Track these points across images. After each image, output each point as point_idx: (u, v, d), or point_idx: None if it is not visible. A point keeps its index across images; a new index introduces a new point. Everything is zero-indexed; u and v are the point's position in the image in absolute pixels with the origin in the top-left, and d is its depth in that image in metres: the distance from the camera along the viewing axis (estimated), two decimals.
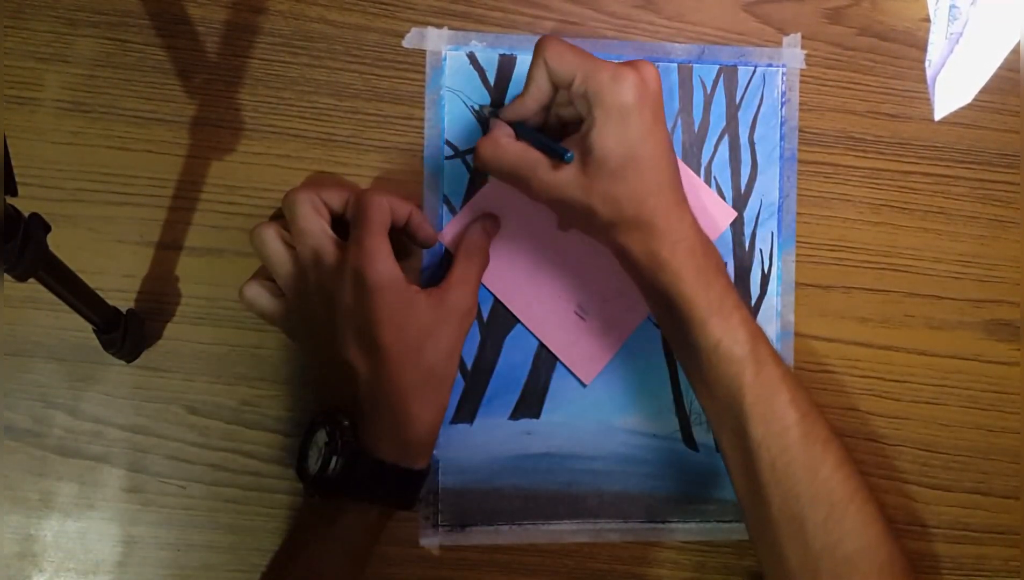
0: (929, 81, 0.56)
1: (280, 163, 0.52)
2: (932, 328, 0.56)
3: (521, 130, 0.48)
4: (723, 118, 0.55)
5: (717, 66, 0.55)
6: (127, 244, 0.51)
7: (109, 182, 0.51)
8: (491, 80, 0.53)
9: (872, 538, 0.46)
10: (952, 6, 0.56)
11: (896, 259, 0.56)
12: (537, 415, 0.53)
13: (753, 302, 0.55)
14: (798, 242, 0.55)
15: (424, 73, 0.53)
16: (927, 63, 0.56)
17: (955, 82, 0.56)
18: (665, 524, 0.54)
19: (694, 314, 0.46)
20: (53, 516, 0.51)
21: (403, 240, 0.51)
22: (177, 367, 0.51)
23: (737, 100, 0.55)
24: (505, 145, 0.47)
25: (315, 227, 0.47)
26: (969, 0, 0.56)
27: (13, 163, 0.34)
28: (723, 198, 0.55)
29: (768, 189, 0.55)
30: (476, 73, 0.53)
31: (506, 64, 0.53)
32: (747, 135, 0.55)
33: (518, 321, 0.53)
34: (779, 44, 0.55)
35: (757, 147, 0.55)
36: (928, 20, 0.56)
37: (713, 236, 0.54)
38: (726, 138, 0.55)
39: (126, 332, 0.48)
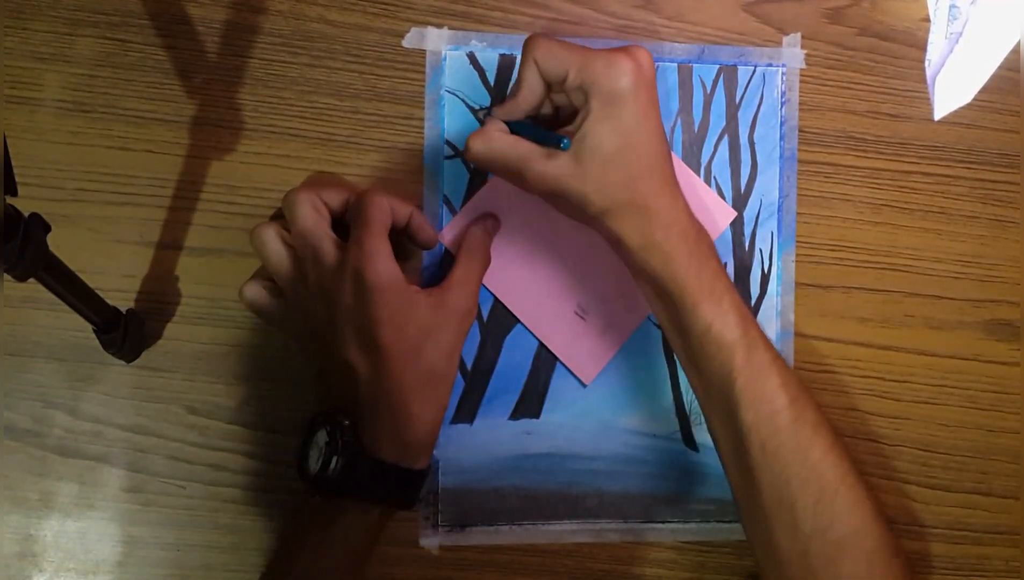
0: (929, 81, 0.56)
1: (280, 163, 0.52)
2: (932, 328, 0.56)
3: (514, 124, 0.48)
4: (723, 118, 0.55)
5: (717, 66, 0.55)
6: (127, 244, 0.51)
7: (109, 182, 0.51)
8: (491, 80, 0.53)
9: (862, 521, 0.46)
10: (952, 6, 0.56)
11: (896, 259, 0.56)
12: (537, 415, 0.53)
13: (753, 302, 0.55)
14: (798, 242, 0.55)
15: (424, 73, 0.53)
16: (927, 63, 0.56)
17: (955, 82, 0.56)
18: (665, 524, 0.54)
19: (685, 298, 0.46)
20: (53, 516, 0.50)
21: (403, 241, 0.51)
22: (177, 367, 0.51)
23: (737, 100, 0.55)
24: (496, 138, 0.47)
25: (315, 227, 0.47)
26: (969, 0, 0.56)
27: (13, 163, 0.34)
28: (723, 198, 0.55)
29: (768, 189, 0.55)
30: (476, 73, 0.53)
31: (506, 64, 0.53)
32: (747, 135, 0.55)
33: (518, 321, 0.53)
34: (779, 44, 0.55)
35: (757, 147, 0.55)
36: (928, 20, 0.56)
37: (713, 236, 0.54)
38: (726, 138, 0.55)
39: (126, 332, 0.48)
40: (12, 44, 0.50)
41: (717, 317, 0.46)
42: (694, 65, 0.54)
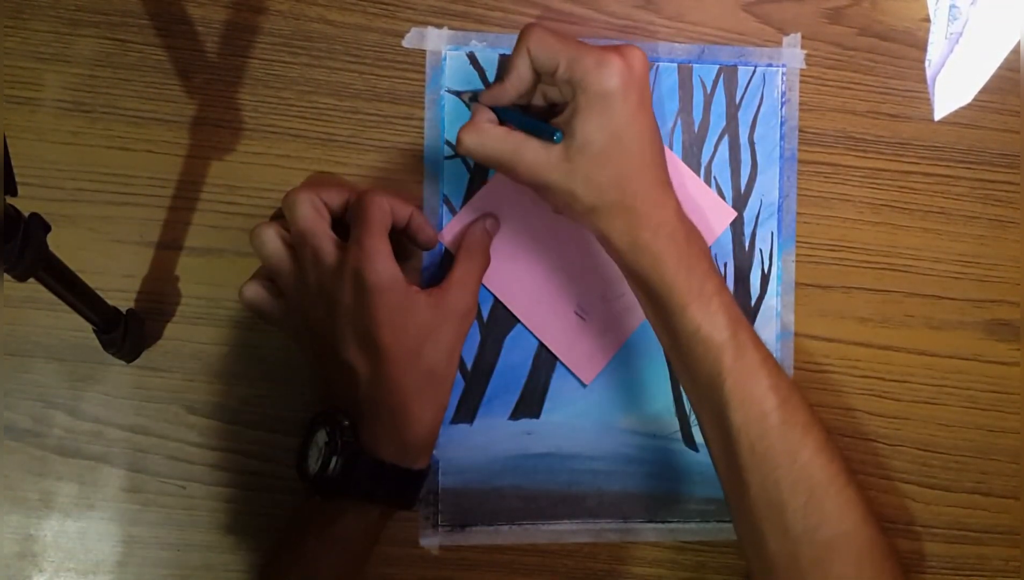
0: (929, 81, 0.56)
1: (280, 163, 0.52)
2: (932, 328, 0.56)
3: (505, 113, 0.48)
4: (723, 118, 0.55)
5: (717, 66, 0.55)
6: (127, 244, 0.51)
7: (109, 182, 0.51)
8: (491, 80, 0.53)
9: (852, 523, 0.46)
10: (952, 6, 0.56)
11: (896, 259, 0.56)
12: (537, 415, 0.53)
13: (753, 302, 0.55)
14: (798, 242, 0.55)
15: (424, 73, 0.53)
16: (927, 63, 0.56)
17: (955, 82, 0.56)
18: (665, 524, 0.54)
19: (674, 299, 0.46)
20: (53, 516, 0.51)
21: (403, 241, 0.51)
22: (177, 367, 0.51)
23: (737, 100, 0.55)
24: (487, 130, 0.47)
25: (315, 227, 0.47)
26: (969, 0, 0.56)
27: (13, 163, 0.34)
28: (723, 198, 0.55)
29: (768, 189, 0.55)
30: (476, 73, 0.53)
31: (506, 64, 0.53)
32: (747, 135, 0.55)
33: (518, 321, 0.53)
34: (779, 44, 0.55)
35: (757, 147, 0.55)
36: (928, 20, 0.56)
37: (713, 236, 0.54)
38: (726, 138, 0.55)
39: (126, 332, 0.48)
40: (12, 44, 0.50)
41: (706, 318, 0.46)
42: (694, 65, 0.54)
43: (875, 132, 0.56)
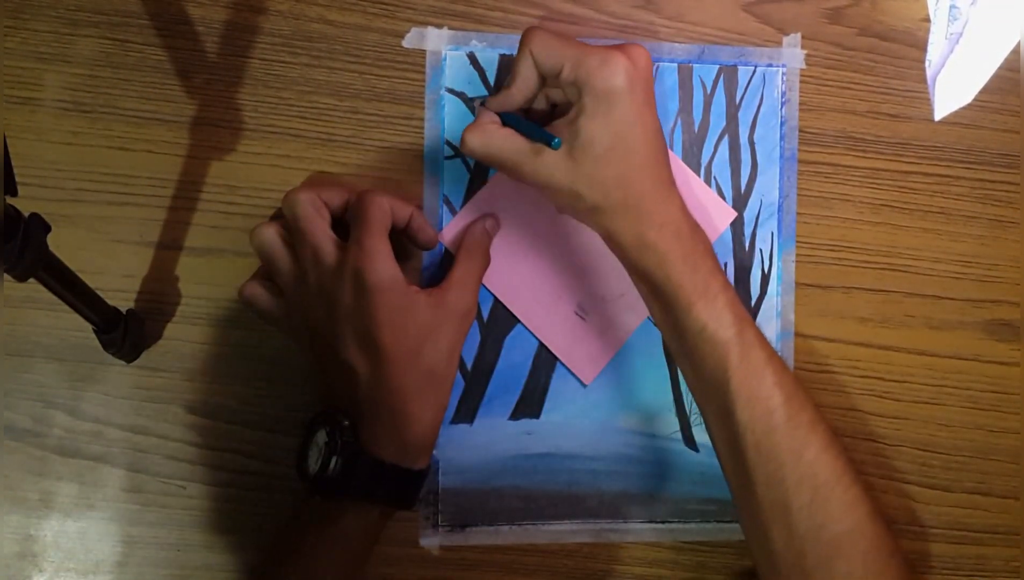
0: (929, 81, 0.56)
1: (280, 163, 0.52)
2: (932, 328, 0.56)
3: (507, 117, 0.48)
4: (723, 118, 0.55)
5: (717, 66, 0.55)
6: (127, 244, 0.51)
7: (109, 182, 0.51)
8: (491, 80, 0.53)
9: (857, 521, 0.46)
10: (952, 6, 0.56)
11: (896, 259, 0.56)
12: (537, 415, 0.53)
13: (753, 302, 0.55)
14: (798, 242, 0.55)
15: (424, 73, 0.53)
16: (927, 63, 0.56)
17: (955, 82, 0.56)
18: (665, 524, 0.54)
19: (680, 297, 0.46)
20: (53, 516, 0.51)
21: (403, 241, 0.51)
22: (177, 367, 0.51)
23: (737, 100, 0.55)
24: (491, 132, 0.47)
25: (315, 227, 0.47)
26: (969, 0, 0.56)
27: (13, 163, 0.34)
28: (723, 198, 0.55)
29: (768, 189, 0.55)
30: (476, 73, 0.53)
31: (506, 64, 0.53)
32: (747, 135, 0.55)
33: (518, 321, 0.53)
34: (779, 44, 0.55)
35: (757, 147, 0.55)
36: (928, 20, 0.56)
37: (713, 236, 0.54)
38: (726, 138, 0.55)
39: (126, 332, 0.48)
40: (12, 44, 0.50)
41: (711, 317, 0.46)
42: (694, 65, 0.54)
43: (875, 132, 0.56)
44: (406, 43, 0.53)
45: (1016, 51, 0.56)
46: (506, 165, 0.47)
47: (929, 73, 0.56)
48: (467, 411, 0.53)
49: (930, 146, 0.56)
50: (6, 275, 0.35)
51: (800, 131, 0.55)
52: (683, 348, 0.47)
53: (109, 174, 0.51)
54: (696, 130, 0.55)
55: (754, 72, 0.55)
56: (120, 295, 0.50)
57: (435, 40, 0.53)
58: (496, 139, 0.47)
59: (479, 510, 0.53)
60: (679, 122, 0.54)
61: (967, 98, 0.56)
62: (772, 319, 0.55)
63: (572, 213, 0.48)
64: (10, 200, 0.34)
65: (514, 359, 0.53)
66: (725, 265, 0.55)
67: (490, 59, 0.53)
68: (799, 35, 0.55)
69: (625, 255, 0.47)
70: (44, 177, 0.50)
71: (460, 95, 0.53)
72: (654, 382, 0.54)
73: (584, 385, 0.54)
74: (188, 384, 0.51)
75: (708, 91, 0.55)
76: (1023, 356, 0.57)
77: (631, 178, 0.46)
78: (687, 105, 0.54)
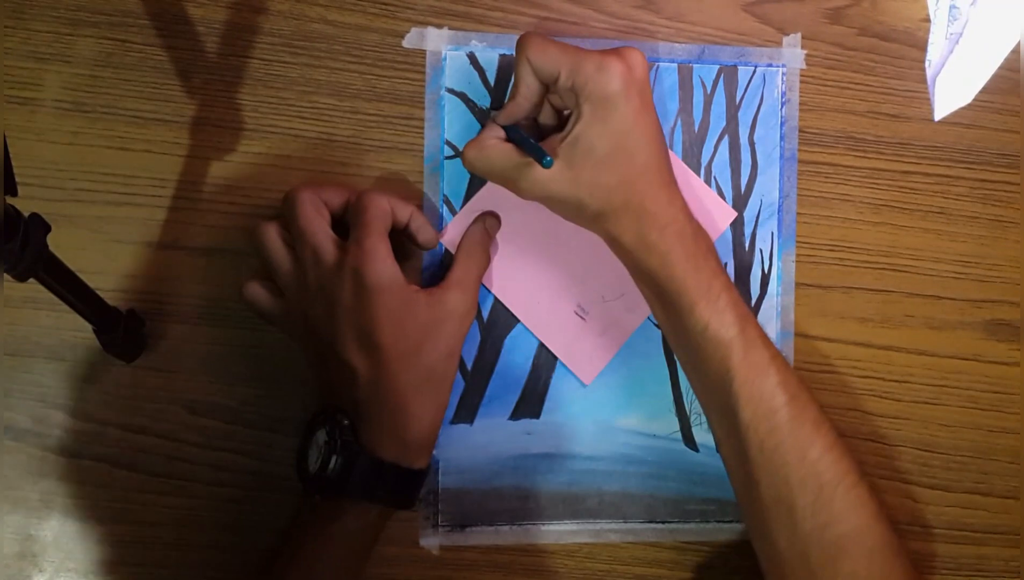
0: (929, 81, 0.56)
1: (280, 163, 0.52)
2: (932, 328, 0.56)
3: (511, 131, 0.48)
4: (723, 118, 0.55)
5: (717, 66, 0.55)
6: (127, 244, 0.51)
7: (109, 182, 0.51)
8: (491, 80, 0.53)
9: (862, 520, 0.46)
10: (952, 6, 0.56)
11: (896, 259, 0.56)
12: (537, 415, 0.53)
13: (753, 302, 0.55)
14: (798, 242, 0.55)
15: (424, 73, 0.53)
16: (927, 63, 0.56)
17: (955, 82, 0.56)
18: (665, 524, 0.54)
19: (683, 297, 0.46)
20: (53, 516, 0.50)
21: (403, 241, 0.51)
22: (177, 367, 0.51)
23: (737, 100, 0.55)
24: (491, 147, 0.47)
25: (315, 227, 0.47)
26: (969, 0, 0.56)
27: (13, 163, 0.34)
28: (723, 198, 0.55)
29: (768, 189, 0.55)
30: (476, 73, 0.53)
31: (506, 64, 0.53)
32: (747, 135, 0.55)
33: (518, 321, 0.53)
34: (779, 44, 0.55)
35: (757, 147, 0.55)
36: (928, 20, 0.56)
37: (714, 236, 0.54)
38: (726, 138, 0.55)
39: (126, 332, 0.48)
40: (12, 44, 0.50)
41: (714, 316, 0.46)
42: (694, 65, 0.54)
43: (875, 132, 0.56)
44: (406, 43, 0.53)
45: (1016, 51, 0.56)
46: (505, 180, 0.48)
47: (929, 73, 0.56)
48: (467, 411, 0.53)
49: (930, 146, 0.56)
50: (6, 275, 0.35)
51: (800, 131, 0.55)
52: (686, 348, 0.47)
53: (109, 174, 0.51)
54: (696, 130, 0.55)
55: (754, 72, 0.55)
56: (120, 295, 0.50)
57: (435, 40, 0.53)
58: (494, 154, 0.47)
59: (479, 510, 0.53)
60: (679, 122, 0.54)
61: (967, 98, 0.56)
62: (772, 319, 0.55)
63: (576, 221, 0.49)
64: (10, 200, 0.34)
65: (514, 359, 0.53)
66: (725, 265, 0.54)
67: (490, 59, 0.53)
68: (799, 35, 0.55)
69: (628, 257, 0.47)
70: (44, 177, 0.50)
71: (460, 95, 0.53)
72: (654, 382, 0.54)
73: (584, 385, 0.54)
74: (188, 384, 0.51)
75: (708, 91, 0.55)
76: (1023, 356, 0.57)
77: (633, 181, 0.46)
78: (687, 105, 0.54)
